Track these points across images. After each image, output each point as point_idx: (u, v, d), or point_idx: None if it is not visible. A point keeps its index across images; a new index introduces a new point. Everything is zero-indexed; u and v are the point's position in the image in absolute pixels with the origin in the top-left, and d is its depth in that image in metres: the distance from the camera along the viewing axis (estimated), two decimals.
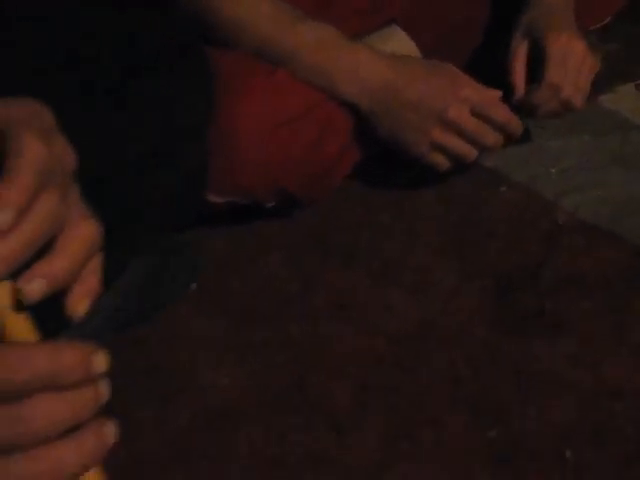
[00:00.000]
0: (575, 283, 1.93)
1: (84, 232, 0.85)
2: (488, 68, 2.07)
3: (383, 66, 1.99)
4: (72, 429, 0.77)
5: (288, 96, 1.96)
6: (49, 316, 0.82)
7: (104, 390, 0.79)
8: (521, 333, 1.83)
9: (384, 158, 2.08)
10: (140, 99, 1.29)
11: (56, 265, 0.82)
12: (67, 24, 1.38)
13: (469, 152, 1.97)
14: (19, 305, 0.79)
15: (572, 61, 2.03)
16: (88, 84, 1.16)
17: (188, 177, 1.58)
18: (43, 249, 0.82)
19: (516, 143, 2.06)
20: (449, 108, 1.93)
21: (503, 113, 1.96)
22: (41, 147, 0.82)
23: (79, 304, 0.85)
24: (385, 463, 1.59)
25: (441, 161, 1.99)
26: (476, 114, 1.94)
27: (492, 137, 1.97)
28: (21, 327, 0.80)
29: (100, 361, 0.77)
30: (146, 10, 1.69)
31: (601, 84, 2.35)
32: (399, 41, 2.17)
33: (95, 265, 0.87)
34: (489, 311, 1.88)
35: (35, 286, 0.80)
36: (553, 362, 1.77)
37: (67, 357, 0.76)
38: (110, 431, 0.79)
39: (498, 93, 1.99)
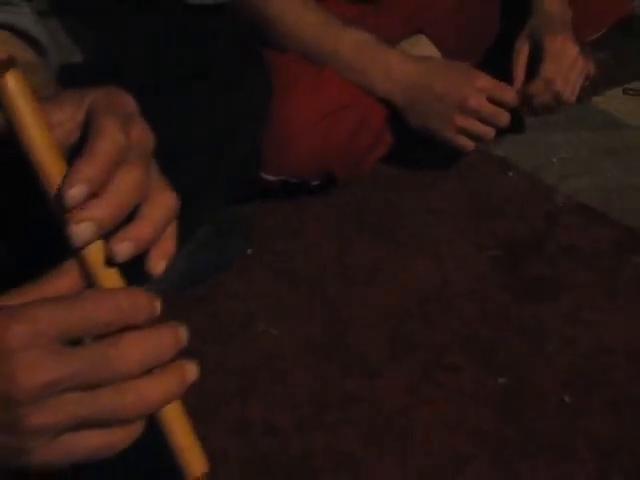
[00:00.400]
0: (572, 254, 1.94)
1: (165, 201, 0.85)
2: (497, 66, 2.09)
3: (412, 66, 2.02)
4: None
5: (332, 91, 1.98)
6: (131, 274, 0.82)
7: (183, 334, 0.79)
8: (526, 295, 1.84)
9: (411, 145, 2.09)
10: (209, 91, 1.29)
11: (142, 230, 0.81)
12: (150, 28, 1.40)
13: (489, 132, 2.02)
14: (108, 261, 0.79)
15: (565, 60, 2.06)
16: (169, 77, 1.16)
17: (246, 158, 1.59)
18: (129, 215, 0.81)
19: (514, 133, 2.14)
20: (469, 98, 1.98)
21: (511, 94, 2.01)
22: (116, 130, 0.81)
23: (158, 264, 0.84)
24: (410, 403, 1.60)
25: (466, 142, 2.04)
26: (490, 100, 1.98)
27: (505, 117, 2.01)
28: (110, 279, 0.80)
29: (157, 307, 0.79)
30: (217, 19, 1.72)
31: (594, 88, 2.37)
32: (424, 46, 2.19)
33: (172, 231, 0.86)
34: (499, 277, 1.88)
35: (125, 247, 0.79)
36: (553, 320, 1.77)
37: (144, 300, 0.78)
38: (191, 370, 0.79)
39: (517, 80, 2.09)
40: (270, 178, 1.95)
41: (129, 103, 0.87)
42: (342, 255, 1.96)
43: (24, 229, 1.07)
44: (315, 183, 2.02)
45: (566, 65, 2.06)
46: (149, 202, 0.83)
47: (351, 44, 2.03)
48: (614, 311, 1.80)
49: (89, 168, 0.77)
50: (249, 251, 1.94)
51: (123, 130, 0.82)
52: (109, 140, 0.80)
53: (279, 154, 1.87)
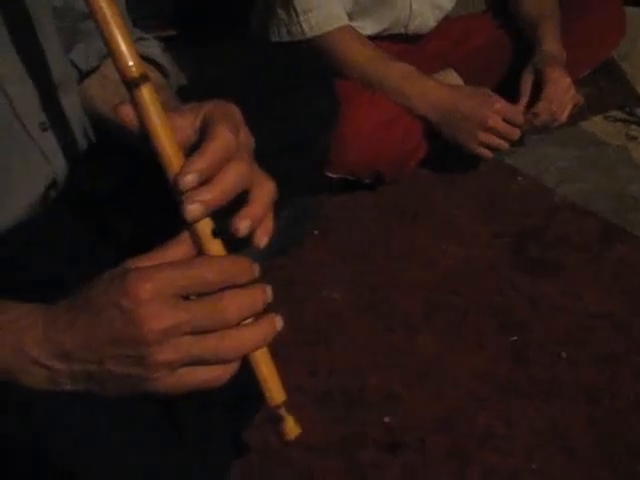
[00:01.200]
0: (566, 242, 1.91)
1: (268, 187, 0.84)
2: (507, 90, 2.07)
3: (444, 92, 2.00)
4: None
5: (382, 109, 1.97)
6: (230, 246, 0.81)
7: (270, 292, 0.79)
8: (531, 273, 1.81)
9: (442, 152, 2.08)
10: (293, 106, 1.28)
11: (255, 210, 0.81)
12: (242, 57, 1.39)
13: (503, 145, 1.99)
14: (214, 234, 0.79)
15: (561, 86, 2.02)
16: (260, 95, 1.14)
17: (317, 159, 1.58)
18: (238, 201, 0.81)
19: (517, 145, 2.09)
20: (488, 118, 1.95)
21: (520, 116, 1.98)
22: (227, 133, 0.80)
23: (262, 239, 0.83)
24: (441, 354, 1.59)
25: (485, 152, 2.01)
26: (505, 120, 1.96)
27: (516, 133, 1.98)
28: (215, 248, 0.79)
29: (256, 270, 0.79)
30: (294, 52, 1.72)
31: (581, 114, 2.34)
32: (452, 78, 2.17)
33: (271, 213, 0.85)
34: (509, 258, 1.86)
35: (245, 224, 0.79)
36: (552, 292, 1.75)
37: (243, 264, 0.78)
38: (278, 321, 0.79)
39: (522, 101, 2.04)
40: (333, 175, 1.94)
41: (237, 113, 0.87)
42: (387, 237, 1.93)
43: (146, 210, 1.07)
44: (367, 180, 2.01)
45: (562, 91, 2.02)
46: (257, 188, 0.83)
47: (397, 74, 2.01)
48: (598, 286, 1.77)
49: (200, 162, 0.78)
50: (315, 232, 1.92)
51: (234, 133, 0.82)
52: (220, 141, 0.80)
53: (341, 157, 1.85)
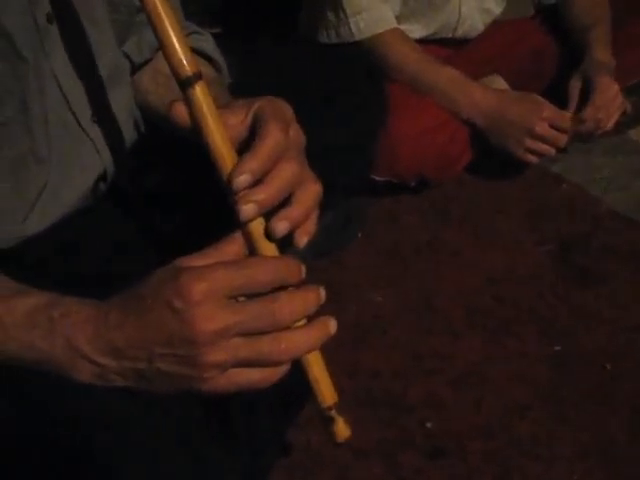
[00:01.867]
0: (611, 252, 1.88)
1: (314, 190, 0.83)
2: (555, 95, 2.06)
3: (492, 98, 2.00)
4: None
5: (430, 114, 1.96)
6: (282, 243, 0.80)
7: (323, 294, 0.78)
8: (575, 282, 1.79)
9: (488, 157, 2.07)
10: (342, 109, 1.28)
11: (296, 212, 0.80)
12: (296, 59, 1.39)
13: (550, 151, 1.99)
14: (267, 234, 0.78)
15: (610, 94, 2.00)
16: (311, 94, 1.14)
17: (364, 161, 1.58)
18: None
19: (561, 152, 2.06)
20: (536, 125, 1.94)
21: (567, 122, 1.98)
22: (278, 132, 0.79)
23: (302, 239, 0.81)
24: (483, 360, 1.59)
25: (531, 159, 2.00)
26: (552, 126, 1.95)
27: (562, 140, 1.97)
28: (267, 248, 0.78)
29: (303, 271, 0.77)
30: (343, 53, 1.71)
31: (628, 123, 2.29)
32: (499, 84, 2.15)
33: (315, 214, 0.84)
34: (554, 266, 1.84)
35: (282, 225, 0.78)
36: (596, 303, 1.73)
37: (294, 264, 0.77)
38: (332, 325, 0.78)
39: (570, 108, 2.02)
40: (378, 178, 1.94)
41: (288, 110, 0.85)
42: (431, 240, 1.92)
43: (191, 206, 1.06)
44: (412, 184, 2.00)
45: (609, 98, 2.01)
46: (302, 189, 0.81)
47: (445, 78, 2.00)
48: None
49: (254, 162, 0.77)
50: (359, 234, 1.91)
51: (284, 131, 0.81)
52: (272, 140, 0.79)
53: (387, 160, 1.85)
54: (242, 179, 0.76)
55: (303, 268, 0.77)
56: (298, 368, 0.79)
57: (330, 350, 0.81)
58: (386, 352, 1.58)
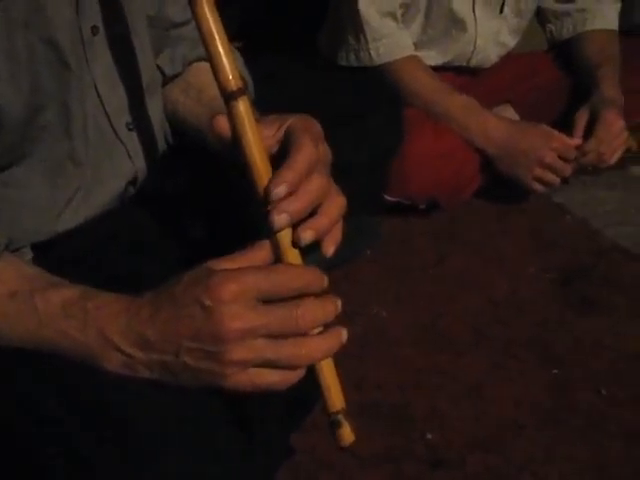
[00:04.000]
0: (611, 283, 1.90)
1: (339, 203, 0.86)
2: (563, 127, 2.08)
3: (504, 127, 2.03)
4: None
5: (443, 140, 2.00)
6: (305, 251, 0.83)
7: (340, 305, 0.81)
8: (575, 310, 1.81)
9: (497, 184, 2.11)
10: (362, 130, 1.31)
11: (322, 222, 0.83)
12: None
13: (556, 180, 2.03)
14: (294, 243, 0.81)
15: (614, 129, 2.03)
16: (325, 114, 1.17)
17: (378, 181, 1.60)
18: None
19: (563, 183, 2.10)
20: (546, 156, 1.99)
21: (573, 154, 2.01)
22: (311, 147, 0.83)
23: (329, 248, 0.85)
24: (485, 379, 1.61)
25: (539, 188, 2.05)
26: (560, 157, 2.00)
27: (568, 170, 2.02)
28: (293, 256, 0.81)
29: (326, 281, 0.81)
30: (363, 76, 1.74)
31: (633, 159, 2.34)
32: (509, 113, 2.19)
33: (340, 224, 0.87)
34: (555, 293, 1.86)
35: (308, 234, 0.81)
36: (595, 331, 1.75)
37: (318, 275, 0.80)
38: (344, 334, 0.82)
39: (575, 141, 2.04)
40: (390, 199, 1.97)
41: (317, 127, 0.88)
42: (438, 261, 1.95)
43: (216, 211, 1.09)
44: (422, 206, 2.04)
45: (613, 134, 2.04)
46: (327, 202, 0.84)
47: (459, 106, 2.04)
48: None
49: (290, 174, 0.80)
50: (368, 251, 1.94)
51: (316, 146, 0.84)
52: (306, 153, 0.82)
53: (400, 181, 1.88)
54: (280, 190, 0.79)
55: (326, 279, 0.81)
56: (306, 374, 0.81)
57: (337, 362, 0.83)
58: (391, 366, 1.61)
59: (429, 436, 1.45)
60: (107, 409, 0.77)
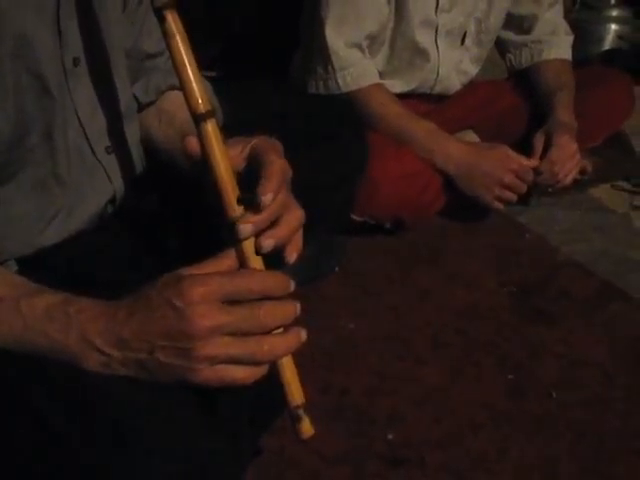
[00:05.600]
0: (566, 296, 1.97)
1: (297, 214, 0.92)
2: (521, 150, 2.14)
3: (464, 149, 2.09)
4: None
5: (406, 162, 2.04)
6: (270, 260, 0.89)
7: (299, 308, 0.86)
8: (531, 320, 1.87)
9: (458, 203, 2.15)
10: (326, 153, 1.34)
11: (281, 232, 0.89)
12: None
13: (513, 198, 2.09)
14: (256, 251, 0.87)
15: (566, 151, 2.10)
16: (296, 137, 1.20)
17: (344, 201, 1.63)
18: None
19: (523, 204, 2.22)
20: (505, 176, 2.04)
21: (531, 176, 2.07)
22: (282, 161, 0.90)
23: (292, 255, 0.91)
24: (445, 384, 1.65)
25: (498, 205, 2.10)
26: (518, 177, 2.05)
27: (524, 189, 2.07)
28: (257, 264, 0.87)
29: (292, 285, 0.86)
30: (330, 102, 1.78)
31: (590, 182, 2.41)
32: (471, 137, 2.25)
33: (300, 234, 0.93)
34: (513, 305, 1.92)
35: (269, 242, 0.87)
36: (548, 339, 1.81)
37: (280, 279, 0.85)
38: (303, 334, 0.86)
39: (532, 162, 2.10)
40: (356, 218, 2.00)
41: (279, 145, 0.95)
42: (402, 277, 2.00)
43: (188, 225, 1.15)
44: (388, 225, 2.08)
45: (566, 156, 2.10)
46: (287, 214, 0.91)
47: (422, 130, 2.08)
48: (590, 337, 1.83)
49: (273, 183, 0.87)
50: (336, 269, 1.98)
51: (285, 162, 0.91)
52: (278, 166, 0.89)
53: (366, 202, 1.91)
54: (268, 197, 0.86)
55: (292, 283, 0.86)
56: (275, 379, 0.87)
57: (306, 369, 0.88)
58: (355, 373, 1.65)
59: (390, 436, 1.50)
60: (89, 406, 0.81)
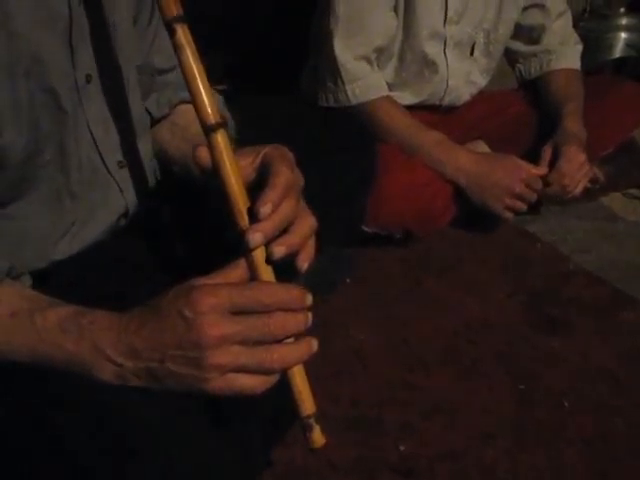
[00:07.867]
0: (577, 304, 1.97)
1: (309, 222, 0.93)
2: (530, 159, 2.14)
3: (474, 159, 2.09)
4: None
5: (416, 173, 2.06)
6: (282, 270, 0.89)
7: (310, 318, 0.86)
8: (543, 330, 1.88)
9: (469, 213, 2.16)
10: (338, 166, 1.35)
11: (293, 240, 0.89)
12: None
13: (523, 207, 2.09)
14: (267, 260, 0.88)
15: (575, 162, 2.10)
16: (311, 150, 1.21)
17: (355, 213, 1.65)
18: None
19: (534, 213, 2.23)
20: (515, 186, 2.05)
21: (540, 186, 2.08)
22: (288, 172, 0.90)
23: (303, 264, 0.91)
24: (455, 394, 1.66)
25: (508, 215, 2.11)
26: (527, 186, 2.06)
27: (534, 198, 2.09)
28: (267, 273, 0.88)
29: (309, 299, 0.86)
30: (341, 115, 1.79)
31: (601, 191, 2.41)
32: (482, 148, 2.24)
33: (312, 242, 0.93)
34: (524, 314, 1.93)
35: (280, 250, 0.87)
36: (560, 348, 1.81)
37: (294, 292, 0.85)
38: (314, 344, 0.87)
39: (541, 170, 2.11)
40: (367, 230, 2.01)
41: (290, 154, 0.95)
42: (413, 288, 2.01)
43: (197, 237, 1.16)
44: (398, 236, 2.09)
45: (575, 167, 2.10)
46: (299, 221, 0.91)
47: (432, 142, 2.10)
48: (601, 345, 1.83)
49: (274, 194, 0.87)
50: (347, 280, 1.99)
51: (292, 171, 0.91)
52: (284, 177, 0.89)
53: (376, 213, 1.91)
54: (266, 208, 0.86)
55: (309, 296, 0.86)
56: (286, 390, 0.87)
57: (316, 379, 0.88)
58: (366, 384, 1.66)
59: (401, 447, 1.50)
60: (104, 422, 0.83)
